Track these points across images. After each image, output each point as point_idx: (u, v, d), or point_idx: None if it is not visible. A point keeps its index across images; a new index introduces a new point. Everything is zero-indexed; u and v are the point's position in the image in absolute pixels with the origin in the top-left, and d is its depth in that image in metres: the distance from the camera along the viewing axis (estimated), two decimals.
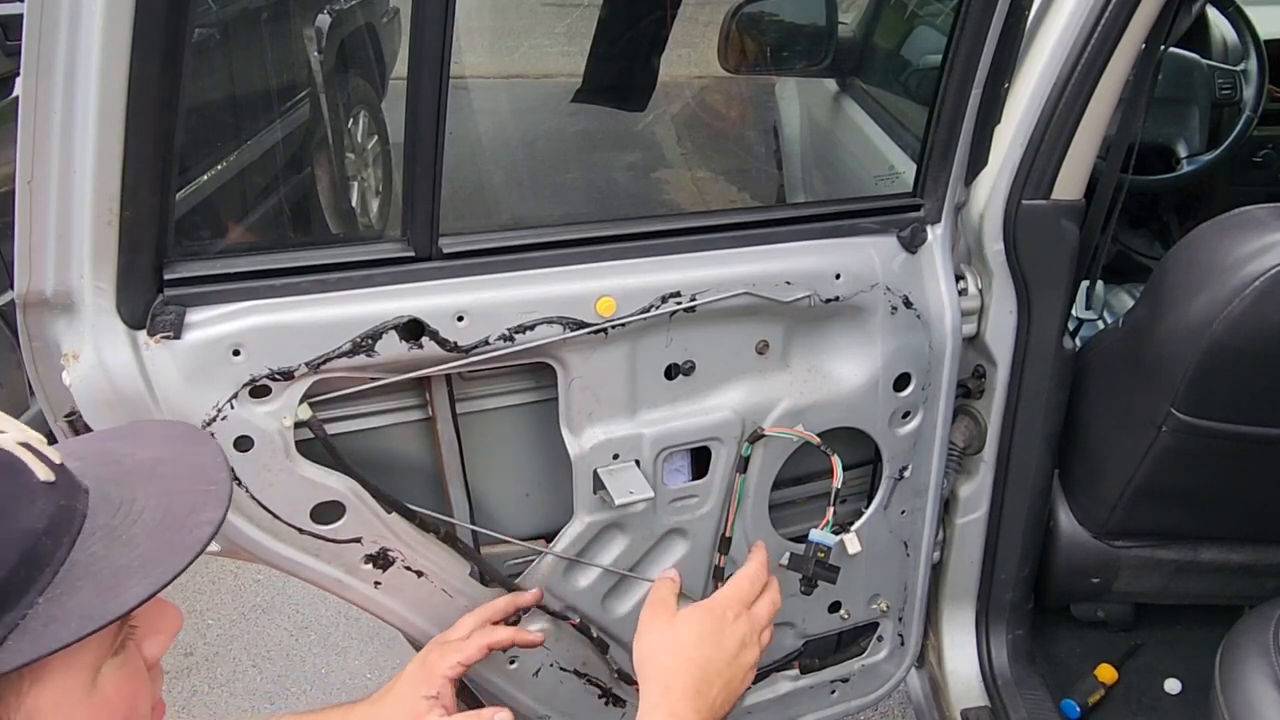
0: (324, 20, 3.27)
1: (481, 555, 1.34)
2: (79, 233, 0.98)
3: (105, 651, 0.71)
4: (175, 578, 0.69)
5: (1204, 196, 2.81)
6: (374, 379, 1.17)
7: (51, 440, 1.03)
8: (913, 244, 1.40)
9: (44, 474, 0.69)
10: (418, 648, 1.31)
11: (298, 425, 1.14)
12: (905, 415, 1.47)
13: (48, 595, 0.65)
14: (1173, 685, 1.90)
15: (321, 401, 1.16)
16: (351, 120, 3.63)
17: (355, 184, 3.68)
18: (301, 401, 1.13)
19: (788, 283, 1.30)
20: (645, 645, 1.18)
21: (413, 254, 1.15)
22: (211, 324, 1.07)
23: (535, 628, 1.38)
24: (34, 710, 0.66)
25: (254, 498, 1.14)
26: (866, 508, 1.54)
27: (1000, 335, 1.56)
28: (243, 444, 1.11)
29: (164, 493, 0.75)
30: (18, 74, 1.81)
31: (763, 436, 1.37)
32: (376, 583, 1.26)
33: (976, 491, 1.70)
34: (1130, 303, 2.46)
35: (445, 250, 1.16)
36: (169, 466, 0.79)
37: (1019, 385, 1.61)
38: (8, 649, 0.63)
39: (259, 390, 1.10)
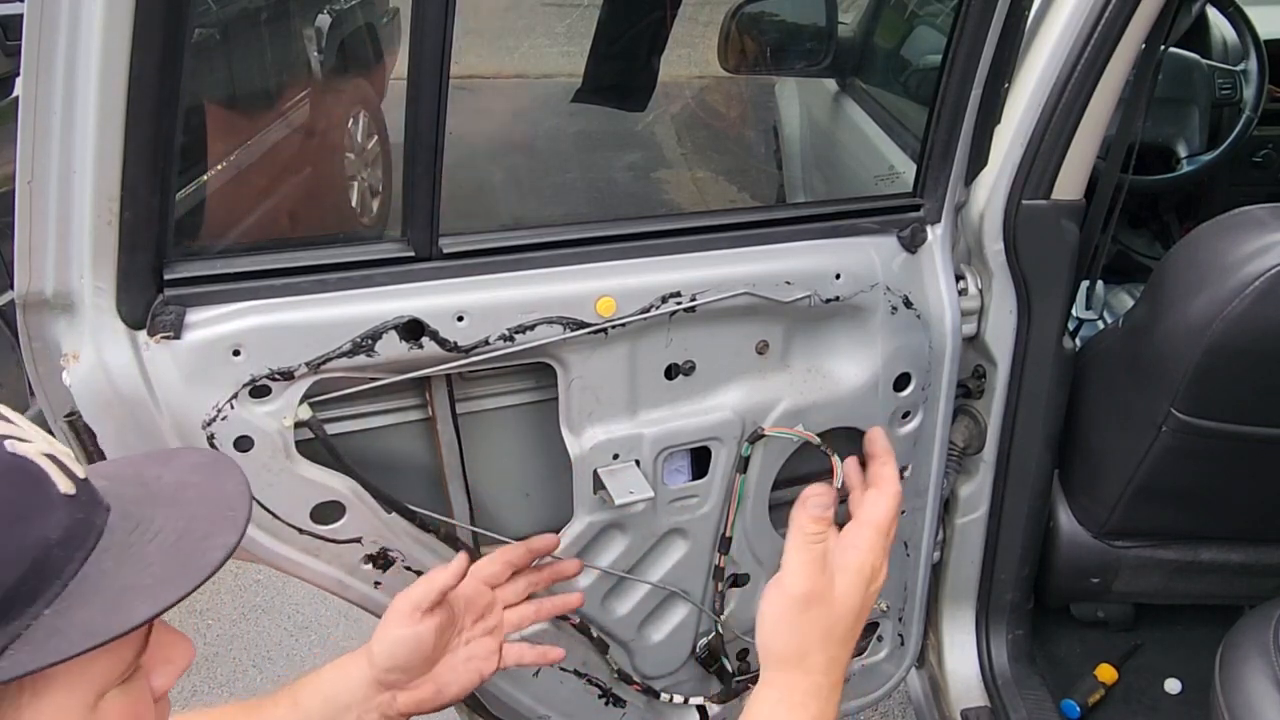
0: (324, 20, 3.27)
1: (482, 555, 1.33)
2: (79, 233, 0.98)
3: (112, 677, 0.70)
4: (183, 598, 0.68)
5: (1204, 196, 2.81)
6: (374, 379, 1.17)
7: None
8: (913, 244, 1.40)
9: (65, 486, 0.68)
10: None
11: (298, 425, 1.14)
12: (905, 415, 1.47)
13: (55, 608, 0.65)
14: (1173, 685, 1.89)
15: (321, 401, 1.16)
16: (351, 120, 3.62)
17: (355, 184, 3.68)
18: (301, 401, 1.13)
19: (788, 283, 1.30)
20: (785, 626, 1.04)
21: (413, 254, 1.15)
22: (211, 324, 1.07)
23: (536, 628, 1.38)
24: None
25: (254, 498, 1.14)
26: None
27: (1000, 335, 1.56)
28: (242, 444, 1.11)
29: (183, 516, 0.75)
30: (18, 74, 1.81)
31: (763, 436, 1.36)
32: (376, 583, 1.26)
33: (976, 491, 1.69)
34: (1130, 303, 2.46)
35: (445, 250, 1.16)
36: (192, 491, 0.79)
37: (1019, 385, 1.61)
38: (9, 658, 0.62)
39: (259, 390, 1.10)
